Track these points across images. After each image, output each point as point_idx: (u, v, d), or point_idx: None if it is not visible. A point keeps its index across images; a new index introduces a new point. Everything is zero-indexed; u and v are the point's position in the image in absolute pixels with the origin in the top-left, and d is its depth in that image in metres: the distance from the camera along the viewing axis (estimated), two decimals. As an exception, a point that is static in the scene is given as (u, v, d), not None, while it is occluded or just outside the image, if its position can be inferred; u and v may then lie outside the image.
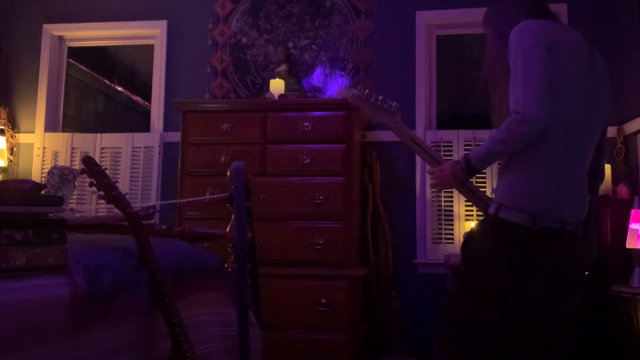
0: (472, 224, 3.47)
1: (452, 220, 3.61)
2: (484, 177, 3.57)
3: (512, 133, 1.57)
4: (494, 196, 1.71)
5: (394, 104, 1.90)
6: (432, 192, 3.62)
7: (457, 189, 1.88)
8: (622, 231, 2.91)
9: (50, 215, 1.21)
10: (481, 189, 1.93)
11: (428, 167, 1.91)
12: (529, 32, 1.62)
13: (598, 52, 1.72)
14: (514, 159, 1.65)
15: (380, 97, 1.90)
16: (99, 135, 3.99)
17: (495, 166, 3.54)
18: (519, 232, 1.59)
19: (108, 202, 1.54)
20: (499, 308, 1.61)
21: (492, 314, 1.61)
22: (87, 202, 3.87)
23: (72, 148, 3.97)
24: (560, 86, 1.59)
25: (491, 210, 1.64)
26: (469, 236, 1.74)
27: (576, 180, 1.66)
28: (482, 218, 1.75)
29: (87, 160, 1.55)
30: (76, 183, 3.44)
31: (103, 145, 3.97)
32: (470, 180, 1.81)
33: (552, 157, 1.61)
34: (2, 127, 3.99)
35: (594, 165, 1.74)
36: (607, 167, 3.31)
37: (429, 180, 3.63)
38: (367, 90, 1.91)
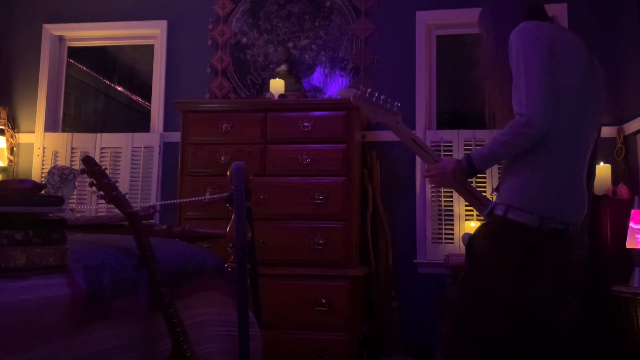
0: (472, 224, 3.47)
1: (452, 220, 3.61)
2: (484, 178, 3.57)
3: (517, 135, 1.57)
4: (495, 198, 1.71)
5: (396, 103, 1.88)
6: (432, 190, 3.62)
7: (455, 189, 1.87)
8: (622, 231, 2.91)
9: (50, 215, 1.21)
10: (479, 190, 1.93)
11: (426, 169, 1.88)
12: (530, 34, 1.62)
13: (594, 54, 1.73)
14: (519, 160, 1.65)
15: (382, 97, 1.88)
16: (99, 135, 3.99)
17: (495, 167, 3.54)
18: (527, 234, 1.59)
19: (108, 202, 1.54)
20: (504, 309, 1.61)
21: (497, 315, 1.61)
22: (87, 202, 3.87)
23: (72, 148, 3.97)
24: (562, 88, 1.60)
25: (499, 212, 1.64)
26: (474, 237, 1.73)
27: (579, 181, 1.67)
28: (486, 220, 1.74)
29: (87, 160, 1.55)
30: (76, 183, 3.44)
31: (103, 145, 3.97)
32: (470, 180, 1.81)
33: (557, 158, 1.62)
34: (2, 127, 3.99)
35: (589, 166, 1.74)
36: (607, 167, 3.31)
37: (425, 180, 3.63)
38: (369, 90, 1.88)
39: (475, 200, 1.85)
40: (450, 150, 3.66)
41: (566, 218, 1.62)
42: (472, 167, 1.70)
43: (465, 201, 1.96)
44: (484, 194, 1.91)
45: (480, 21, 1.86)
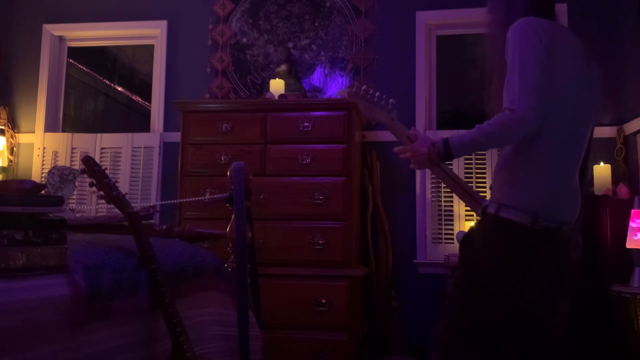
0: (472, 224, 3.46)
1: (452, 220, 3.61)
2: (484, 176, 3.57)
3: (505, 129, 1.54)
4: (490, 195, 1.71)
5: (391, 101, 1.87)
6: (432, 190, 3.61)
7: (447, 184, 1.84)
8: (622, 231, 2.91)
9: (50, 215, 1.21)
10: (478, 190, 1.92)
11: (399, 147, 1.83)
12: (529, 30, 1.60)
13: (592, 55, 1.72)
14: (513, 158, 1.65)
15: (377, 94, 1.86)
16: (99, 135, 3.99)
17: (494, 165, 3.54)
18: (519, 232, 1.58)
19: (108, 202, 1.54)
20: (498, 308, 1.61)
21: (494, 315, 1.61)
22: (87, 202, 3.87)
23: (72, 148, 3.97)
24: (558, 87, 1.59)
25: (491, 210, 1.63)
26: (468, 236, 1.73)
27: (573, 180, 1.66)
28: (480, 218, 1.74)
29: (87, 160, 1.55)
30: (76, 183, 3.44)
31: (103, 145, 3.97)
32: (469, 182, 1.80)
33: (551, 156, 1.61)
34: (2, 127, 3.99)
35: (583, 164, 1.74)
36: (607, 167, 3.31)
37: (425, 180, 3.63)
38: (364, 87, 1.87)
39: (469, 197, 1.85)
40: (450, 150, 3.65)
41: (559, 216, 1.61)
42: (448, 152, 1.67)
43: (459, 198, 1.93)
44: (482, 194, 1.91)
45: (489, 7, 1.81)
